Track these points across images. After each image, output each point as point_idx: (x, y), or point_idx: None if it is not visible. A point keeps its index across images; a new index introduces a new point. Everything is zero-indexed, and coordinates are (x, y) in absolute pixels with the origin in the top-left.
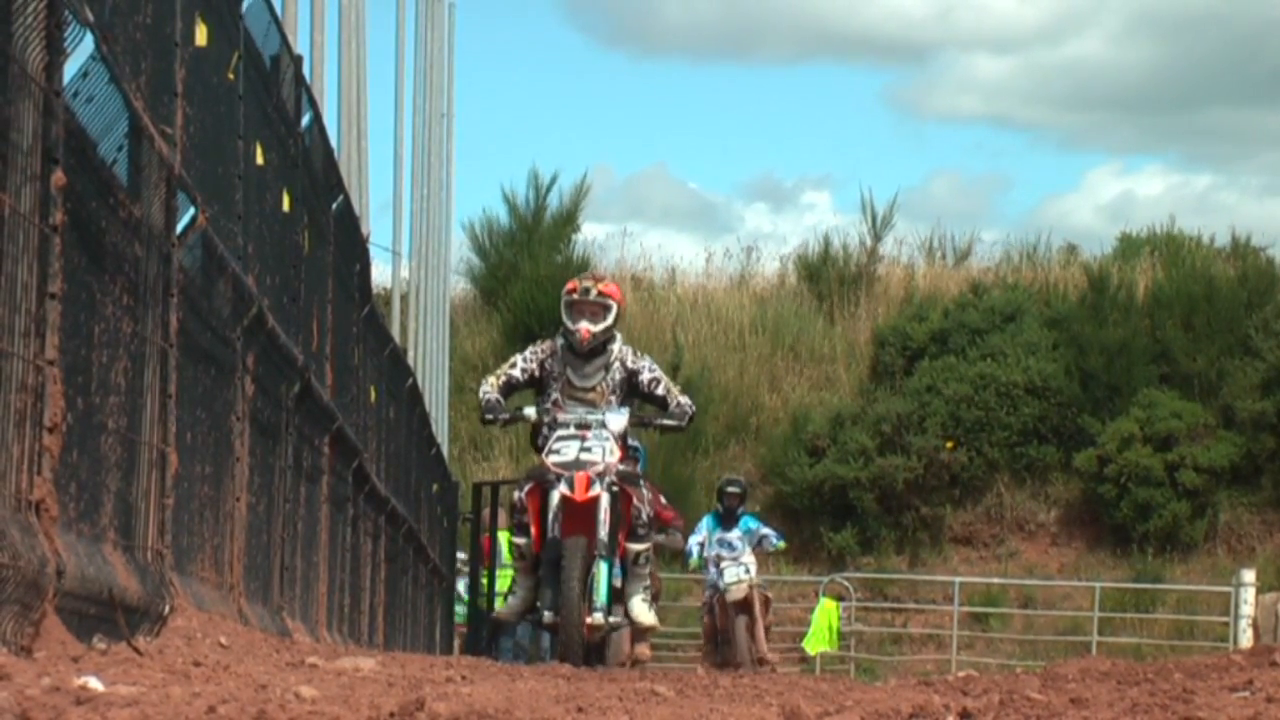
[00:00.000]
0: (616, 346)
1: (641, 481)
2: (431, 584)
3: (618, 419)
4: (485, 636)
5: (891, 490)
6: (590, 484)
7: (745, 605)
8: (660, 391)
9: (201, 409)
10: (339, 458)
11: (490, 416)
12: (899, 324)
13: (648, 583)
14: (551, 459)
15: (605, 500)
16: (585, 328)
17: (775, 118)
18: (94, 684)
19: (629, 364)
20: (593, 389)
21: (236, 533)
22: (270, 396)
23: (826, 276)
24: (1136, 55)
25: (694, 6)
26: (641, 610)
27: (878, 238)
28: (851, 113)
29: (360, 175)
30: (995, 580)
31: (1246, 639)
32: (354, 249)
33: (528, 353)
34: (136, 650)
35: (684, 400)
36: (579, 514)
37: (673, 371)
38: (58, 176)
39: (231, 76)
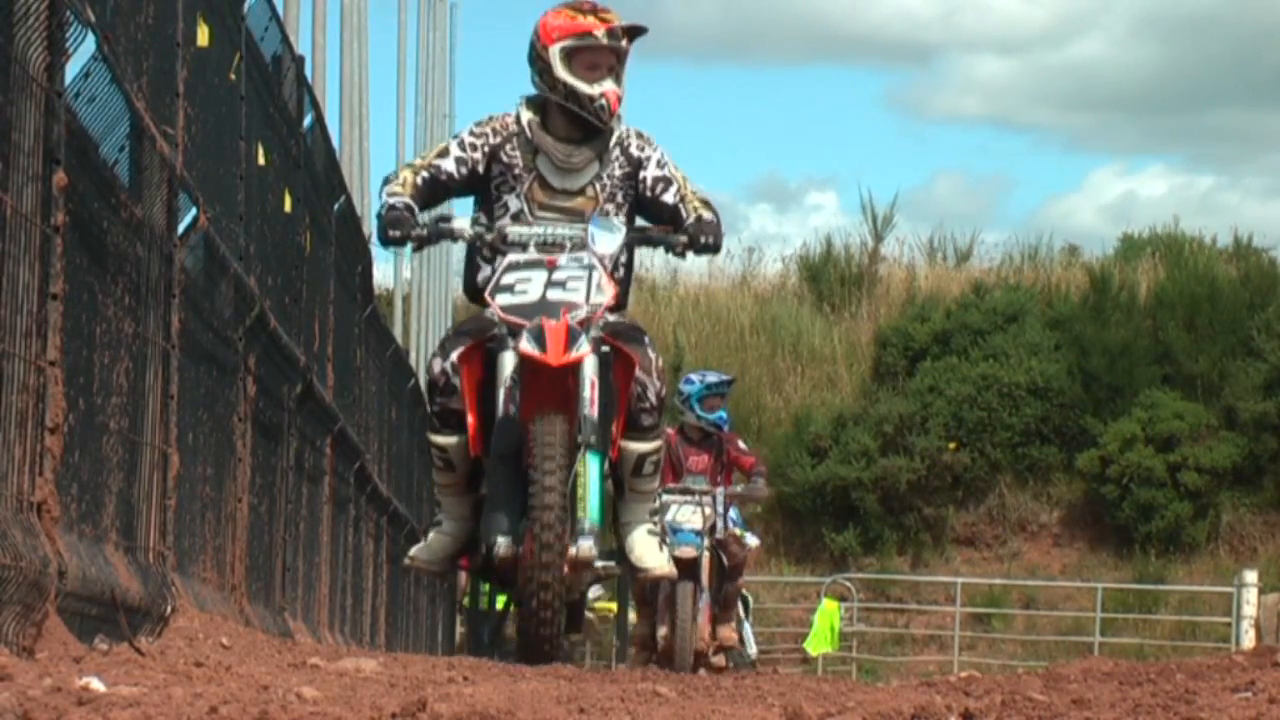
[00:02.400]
0: (617, 125)
1: (647, 340)
2: (433, 585)
3: (608, 235)
4: (487, 636)
5: (894, 491)
6: (571, 338)
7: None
8: (669, 198)
9: (203, 410)
10: (341, 458)
11: (395, 233)
12: (901, 324)
13: (655, 505)
14: (502, 300)
15: (591, 365)
16: (612, 90)
17: (779, 119)
18: (96, 684)
19: (633, 151)
20: (580, 192)
21: (238, 534)
22: (272, 397)
23: (828, 277)
24: (1140, 57)
25: (696, 7)
26: (648, 549)
27: (879, 238)
28: (855, 114)
29: (362, 175)
30: (997, 581)
31: (1248, 640)
32: (356, 249)
33: (467, 136)
34: (138, 651)
35: (708, 215)
36: (551, 387)
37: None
38: (59, 177)
39: (233, 77)
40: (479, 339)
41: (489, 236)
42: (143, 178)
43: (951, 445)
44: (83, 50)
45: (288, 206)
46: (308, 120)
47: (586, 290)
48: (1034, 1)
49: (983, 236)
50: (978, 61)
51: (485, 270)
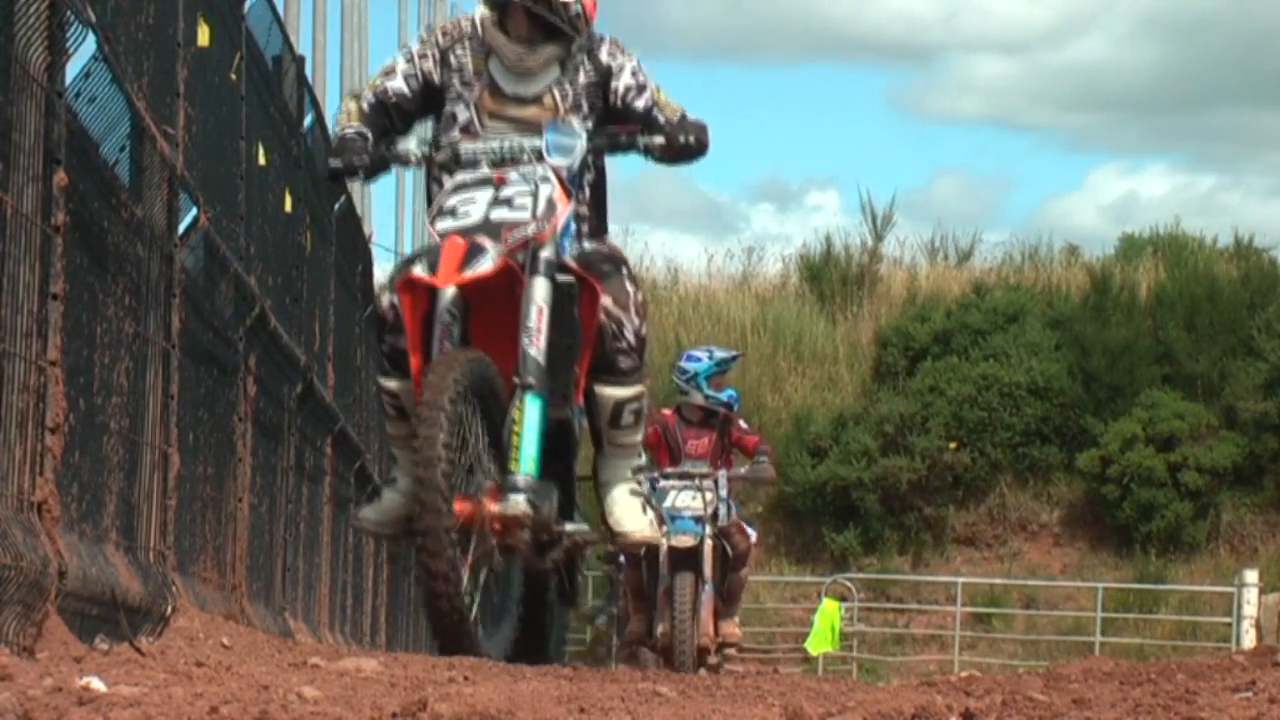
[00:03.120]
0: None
1: (625, 269)
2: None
3: (565, 142)
4: None
5: (894, 491)
6: (470, 255)
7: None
8: (640, 104)
9: (204, 410)
10: (341, 458)
11: (337, 162)
12: (901, 324)
13: (639, 461)
14: (441, 225)
15: (541, 291)
16: None
17: (780, 119)
18: (96, 684)
19: (603, 58)
20: (535, 100)
21: (239, 533)
22: (272, 397)
23: (829, 277)
24: (1141, 57)
25: (696, 7)
26: (629, 511)
27: (879, 238)
28: (856, 114)
29: None
30: (998, 581)
31: (1249, 639)
32: (356, 249)
33: (414, 46)
34: (139, 651)
35: (692, 117)
36: (495, 320)
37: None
38: (60, 177)
39: (234, 77)
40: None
41: (440, 157)
42: (143, 178)
43: (952, 445)
44: (83, 50)
45: (288, 206)
46: (308, 120)
47: (533, 206)
48: (1035, 2)
49: (983, 236)
50: (979, 61)
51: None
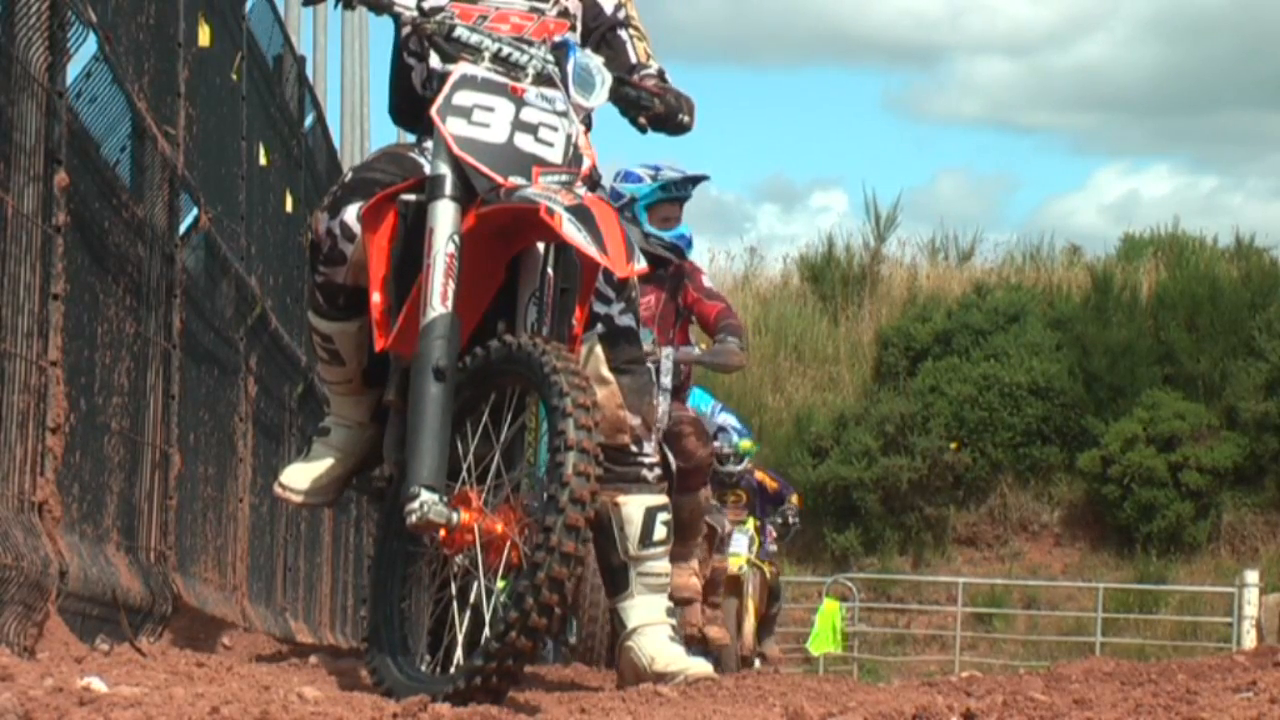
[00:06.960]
0: None
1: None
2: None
3: (592, 83)
4: None
5: (895, 491)
6: (630, 240)
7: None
8: (623, 34)
9: (205, 410)
10: None
11: None
12: (902, 324)
13: (672, 605)
14: (455, 126)
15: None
16: None
17: (784, 120)
18: (97, 685)
19: None
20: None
21: (240, 534)
22: (273, 397)
23: (830, 277)
24: (1144, 58)
25: (699, 8)
26: (678, 657)
27: (881, 238)
28: (861, 114)
29: None
30: (999, 581)
31: (1249, 640)
32: None
33: None
34: (139, 651)
35: (654, 65)
36: (486, 261)
37: None
38: (61, 177)
39: (235, 77)
40: (390, 188)
41: (429, 27)
42: (144, 178)
43: (953, 445)
44: (84, 50)
45: (289, 206)
46: (309, 120)
47: (565, 149)
48: (1039, 3)
49: (985, 236)
50: (983, 62)
51: (419, 70)
